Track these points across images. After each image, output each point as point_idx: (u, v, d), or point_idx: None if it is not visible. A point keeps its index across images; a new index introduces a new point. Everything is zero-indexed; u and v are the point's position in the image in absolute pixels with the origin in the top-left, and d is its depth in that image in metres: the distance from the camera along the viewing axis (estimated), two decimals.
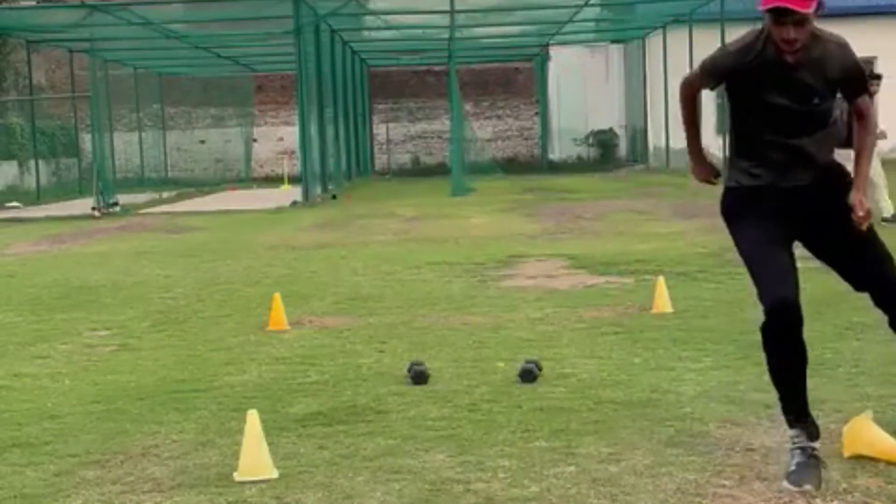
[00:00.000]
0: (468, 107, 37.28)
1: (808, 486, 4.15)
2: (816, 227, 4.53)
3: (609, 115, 37.96)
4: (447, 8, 26.42)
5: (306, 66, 25.30)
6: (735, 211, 4.53)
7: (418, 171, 38.31)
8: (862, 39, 31.80)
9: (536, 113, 39.95)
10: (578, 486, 4.33)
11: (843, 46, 4.46)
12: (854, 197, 4.39)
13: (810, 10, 4.21)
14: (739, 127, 4.54)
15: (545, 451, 4.78)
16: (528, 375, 6.13)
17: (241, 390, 6.21)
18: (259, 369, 6.80)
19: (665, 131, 32.37)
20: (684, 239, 13.47)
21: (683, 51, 29.94)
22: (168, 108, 38.43)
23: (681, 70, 31.86)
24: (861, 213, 4.36)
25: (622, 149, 38.47)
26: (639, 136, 36.22)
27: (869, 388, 5.67)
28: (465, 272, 11.11)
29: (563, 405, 5.58)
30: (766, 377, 6.00)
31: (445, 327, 8.03)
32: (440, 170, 35.37)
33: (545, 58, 38.55)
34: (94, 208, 22.61)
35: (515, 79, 40.50)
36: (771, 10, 4.19)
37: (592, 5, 27.70)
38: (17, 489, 4.57)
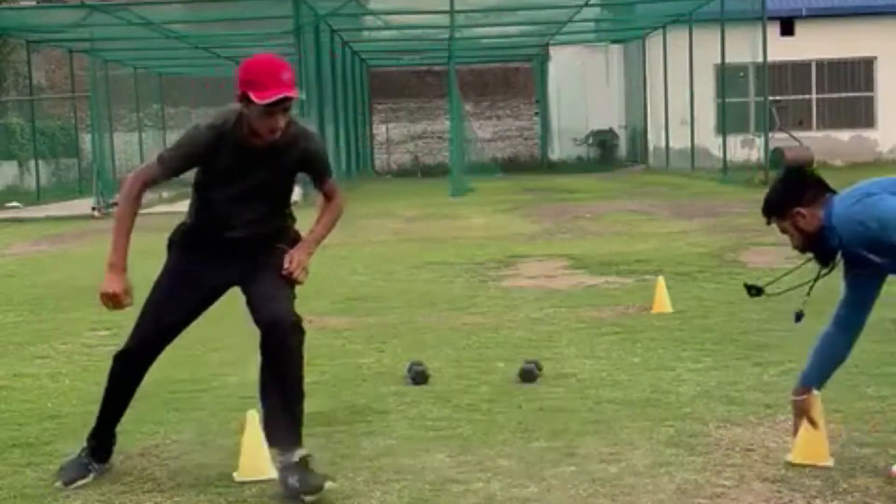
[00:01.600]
0: (468, 107, 37.26)
1: None
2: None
3: (609, 115, 37.95)
4: (447, 8, 26.42)
5: (306, 67, 25.30)
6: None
7: (418, 172, 38.31)
8: (862, 39, 31.79)
9: (536, 113, 39.93)
10: (578, 486, 4.33)
11: (307, 135, 4.61)
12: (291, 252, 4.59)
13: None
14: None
15: (545, 451, 4.79)
16: (528, 375, 6.13)
17: (241, 390, 6.21)
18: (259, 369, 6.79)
19: (665, 131, 32.38)
20: (684, 239, 13.47)
21: (683, 51, 29.97)
22: (168, 108, 38.41)
23: (681, 70, 31.73)
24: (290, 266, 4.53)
25: (622, 149, 38.46)
26: (639, 136, 36.21)
27: (869, 389, 5.67)
28: (465, 272, 11.11)
29: (563, 405, 5.58)
30: (766, 377, 6.02)
31: (445, 327, 8.04)
32: (440, 170, 35.37)
33: (545, 58, 38.54)
34: (94, 208, 22.61)
35: (515, 79, 40.48)
36: (272, 103, 4.29)
37: (592, 5, 27.69)
38: (17, 489, 4.57)
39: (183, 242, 4.77)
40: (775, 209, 4.39)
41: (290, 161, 4.55)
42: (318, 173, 4.70)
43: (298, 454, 4.40)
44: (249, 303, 4.65)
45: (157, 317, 4.68)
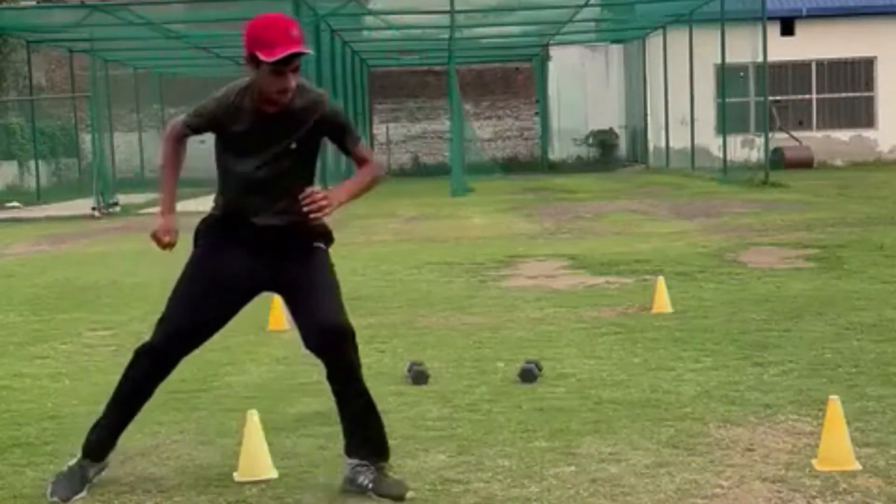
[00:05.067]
0: (468, 107, 37.26)
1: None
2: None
3: (609, 115, 37.96)
4: (447, 8, 26.42)
5: (306, 67, 25.29)
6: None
7: (418, 172, 38.31)
8: (862, 39, 31.84)
9: (536, 113, 39.94)
10: (578, 486, 4.33)
11: (321, 100, 4.43)
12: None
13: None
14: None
15: (545, 451, 4.78)
16: (528, 375, 6.13)
17: (241, 390, 6.21)
18: (259, 369, 6.80)
19: (665, 131, 32.39)
20: (684, 239, 13.46)
21: (683, 51, 29.98)
22: (168, 108, 38.38)
23: (681, 70, 31.73)
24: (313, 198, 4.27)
25: (622, 149, 38.46)
26: (639, 136, 36.22)
27: (869, 389, 5.67)
28: (465, 272, 11.10)
29: (563, 405, 5.58)
30: (766, 377, 6.03)
31: (445, 327, 8.03)
32: (440, 170, 35.37)
33: (545, 58, 38.55)
34: (94, 208, 22.60)
35: (515, 79, 40.49)
36: (279, 61, 4.17)
37: (592, 5, 27.69)
38: (17, 489, 4.57)
39: (211, 231, 4.59)
40: None
41: (309, 127, 4.35)
42: (344, 136, 4.45)
43: (377, 463, 4.37)
44: (296, 317, 4.48)
45: (192, 314, 4.51)
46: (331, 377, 4.41)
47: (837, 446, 4.39)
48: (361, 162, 4.55)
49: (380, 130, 40.54)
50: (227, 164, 4.50)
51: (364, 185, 4.58)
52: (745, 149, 29.30)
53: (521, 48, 37.29)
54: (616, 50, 38.03)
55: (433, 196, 24.57)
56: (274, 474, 4.55)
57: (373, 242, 14.60)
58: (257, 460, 4.57)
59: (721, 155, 27.83)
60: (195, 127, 4.54)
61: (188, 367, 6.92)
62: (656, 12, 30.48)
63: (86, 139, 30.90)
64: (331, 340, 4.31)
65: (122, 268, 12.60)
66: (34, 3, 33.85)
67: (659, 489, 4.26)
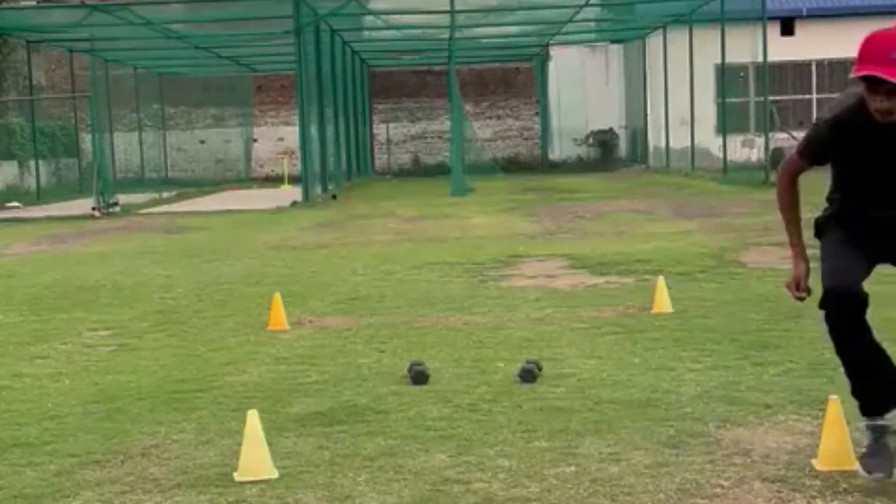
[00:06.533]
0: (468, 107, 37.26)
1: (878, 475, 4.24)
2: None
3: (609, 115, 37.96)
4: (447, 8, 26.42)
5: (306, 66, 25.30)
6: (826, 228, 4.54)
7: (418, 172, 38.32)
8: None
9: (536, 113, 39.95)
10: (578, 486, 4.33)
11: None
12: None
13: None
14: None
15: (545, 451, 4.78)
16: (528, 375, 6.13)
17: (241, 390, 6.21)
18: (259, 369, 6.80)
19: (665, 131, 32.38)
20: (684, 239, 13.46)
21: (683, 51, 29.97)
22: (168, 108, 38.40)
23: (681, 70, 31.66)
24: None
25: (622, 149, 38.47)
26: (639, 136, 36.22)
27: None
28: (465, 272, 11.10)
29: (563, 405, 5.58)
30: (766, 377, 6.02)
31: (445, 327, 8.03)
32: (440, 170, 35.37)
33: (545, 58, 38.56)
34: (94, 208, 22.60)
35: (515, 79, 40.49)
36: (863, 78, 4.00)
37: (592, 5, 27.69)
38: (17, 489, 4.57)
39: (834, 222, 4.52)
40: None
41: None
42: None
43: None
44: None
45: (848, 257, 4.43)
46: None
47: (838, 446, 4.39)
48: None
49: (380, 130, 40.55)
50: (844, 176, 4.47)
51: None
52: (745, 149, 29.30)
53: (521, 48, 37.30)
54: (616, 50, 38.03)
55: (433, 196, 24.57)
56: (274, 474, 4.55)
57: (373, 242, 14.60)
58: (257, 460, 4.57)
59: (721, 155, 27.83)
60: (813, 162, 4.49)
61: (188, 367, 6.95)
62: (656, 12, 30.49)
63: (86, 139, 30.90)
64: None
65: (121, 268, 12.59)
66: (34, 3, 33.84)
67: (659, 489, 4.26)
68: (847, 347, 4.39)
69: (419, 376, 6.19)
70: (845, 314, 4.32)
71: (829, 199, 4.56)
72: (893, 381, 4.38)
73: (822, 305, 4.32)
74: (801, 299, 4.55)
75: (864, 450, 4.34)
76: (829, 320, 4.33)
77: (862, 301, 4.33)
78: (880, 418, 4.34)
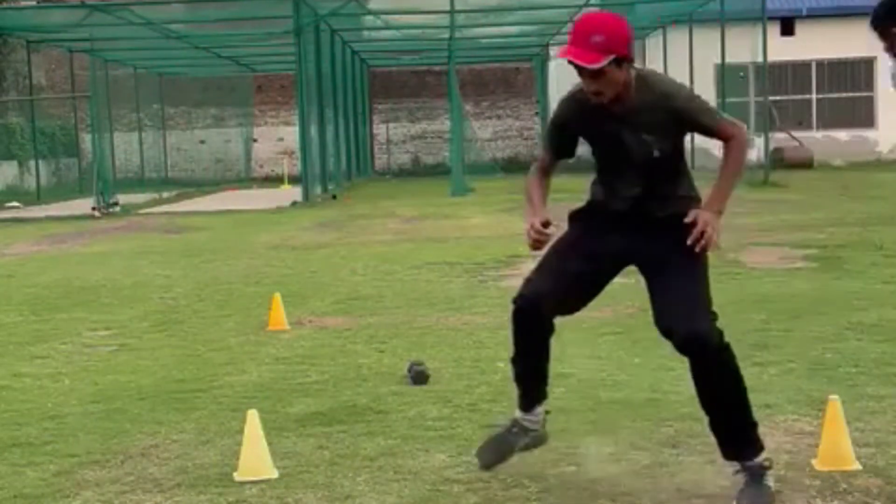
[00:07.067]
0: (468, 107, 37.25)
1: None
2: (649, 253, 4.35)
3: None
4: (447, 8, 26.42)
5: (306, 66, 25.30)
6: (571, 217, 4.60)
7: (418, 172, 38.32)
8: (862, 39, 31.79)
9: (536, 113, 39.93)
10: (578, 486, 4.33)
11: (667, 96, 4.15)
12: (693, 214, 4.15)
13: (602, 64, 3.96)
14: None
15: (545, 451, 4.78)
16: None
17: (241, 390, 6.21)
18: (259, 369, 6.80)
19: None
20: None
21: (683, 51, 29.98)
22: (168, 108, 38.40)
23: (681, 70, 31.67)
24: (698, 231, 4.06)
25: None
26: None
27: (869, 388, 5.67)
28: (465, 272, 11.10)
29: (563, 405, 5.57)
30: (766, 377, 6.02)
31: (445, 327, 8.03)
32: (440, 170, 35.36)
33: (545, 58, 38.55)
34: (94, 208, 22.60)
35: (515, 79, 40.49)
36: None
37: (592, 5, 27.69)
38: (17, 489, 4.57)
39: (577, 215, 4.61)
40: (880, 21, 4.03)
41: (657, 126, 4.12)
42: (701, 125, 4.23)
43: (746, 464, 4.15)
44: (653, 302, 4.27)
45: (551, 269, 4.49)
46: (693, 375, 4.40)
47: (837, 446, 4.39)
48: (725, 142, 4.35)
49: (380, 130, 40.54)
50: (595, 162, 4.50)
51: (730, 179, 4.44)
52: None
53: (521, 48, 37.29)
54: None
55: (433, 196, 24.57)
56: (274, 474, 4.55)
57: (373, 242, 14.60)
58: (257, 460, 4.57)
59: (721, 155, 27.82)
60: (552, 151, 4.61)
61: (188, 367, 6.95)
62: (656, 12, 30.48)
63: (86, 139, 30.91)
64: (697, 357, 4.30)
65: (121, 268, 12.59)
66: (34, 3, 33.84)
67: (659, 489, 4.26)
68: (517, 352, 4.59)
69: (419, 376, 6.19)
70: (525, 328, 4.46)
71: (590, 189, 4.56)
72: (542, 389, 4.67)
73: (513, 301, 4.45)
74: (539, 243, 4.40)
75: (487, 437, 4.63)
76: (513, 323, 4.47)
77: (540, 323, 4.46)
78: (526, 413, 4.62)
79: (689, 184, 4.42)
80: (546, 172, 4.58)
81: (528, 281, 4.45)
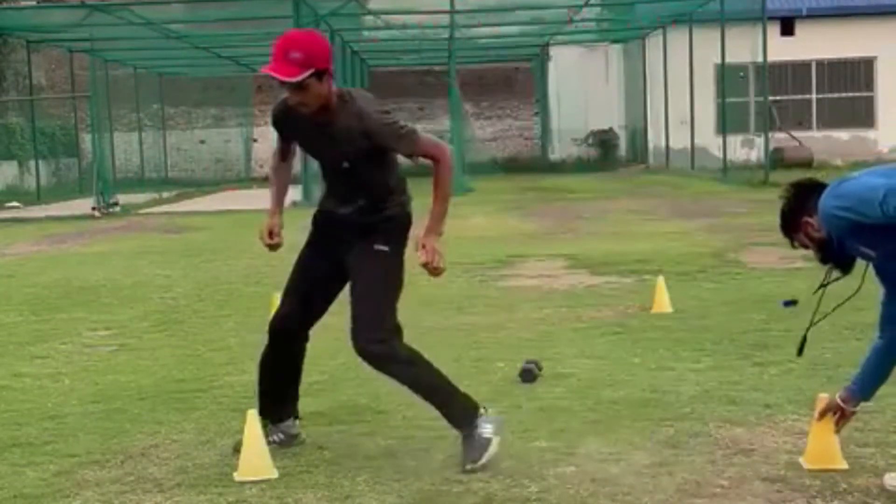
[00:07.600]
0: (468, 107, 37.24)
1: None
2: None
3: (609, 115, 37.92)
4: (447, 8, 26.41)
5: None
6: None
7: (418, 171, 38.26)
8: (862, 39, 31.75)
9: (536, 113, 39.93)
10: (578, 486, 4.33)
11: (361, 116, 4.49)
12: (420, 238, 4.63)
13: (299, 78, 4.30)
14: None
15: (545, 451, 4.78)
16: (528, 375, 6.13)
17: (241, 390, 6.21)
18: None
19: (665, 131, 32.38)
20: (684, 239, 13.46)
21: (683, 51, 29.96)
22: (168, 108, 38.39)
23: (681, 70, 31.62)
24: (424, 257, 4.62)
25: (622, 149, 38.44)
26: (639, 136, 36.20)
27: None
28: (465, 272, 11.10)
29: (563, 405, 5.58)
30: (766, 377, 6.03)
31: (445, 327, 8.03)
32: None
33: (545, 58, 38.55)
34: (94, 208, 22.59)
35: (515, 79, 40.47)
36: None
37: (592, 5, 27.69)
38: (17, 489, 4.57)
39: (314, 218, 4.94)
40: (788, 225, 4.17)
41: (349, 141, 4.49)
42: (396, 150, 4.62)
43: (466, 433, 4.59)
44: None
45: (295, 287, 4.91)
46: None
47: (825, 445, 4.40)
48: (432, 161, 4.81)
49: None
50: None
51: (443, 200, 5.01)
52: (745, 149, 29.29)
53: (520, 48, 37.28)
54: (616, 50, 38.00)
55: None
56: (274, 474, 4.55)
57: None
58: (257, 460, 4.57)
59: (721, 155, 27.83)
60: (280, 143, 5.03)
61: (188, 367, 6.95)
62: (656, 12, 30.47)
63: (86, 139, 30.89)
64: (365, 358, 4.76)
65: (121, 268, 12.59)
66: (34, 3, 33.84)
67: (659, 489, 4.26)
68: (262, 365, 4.91)
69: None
70: (276, 346, 4.85)
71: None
72: (287, 405, 4.96)
73: (269, 324, 4.89)
74: (273, 247, 4.94)
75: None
76: (268, 341, 4.82)
77: (293, 340, 4.86)
78: (279, 424, 4.92)
79: (393, 196, 4.86)
80: (283, 157, 4.94)
81: (282, 302, 4.87)
